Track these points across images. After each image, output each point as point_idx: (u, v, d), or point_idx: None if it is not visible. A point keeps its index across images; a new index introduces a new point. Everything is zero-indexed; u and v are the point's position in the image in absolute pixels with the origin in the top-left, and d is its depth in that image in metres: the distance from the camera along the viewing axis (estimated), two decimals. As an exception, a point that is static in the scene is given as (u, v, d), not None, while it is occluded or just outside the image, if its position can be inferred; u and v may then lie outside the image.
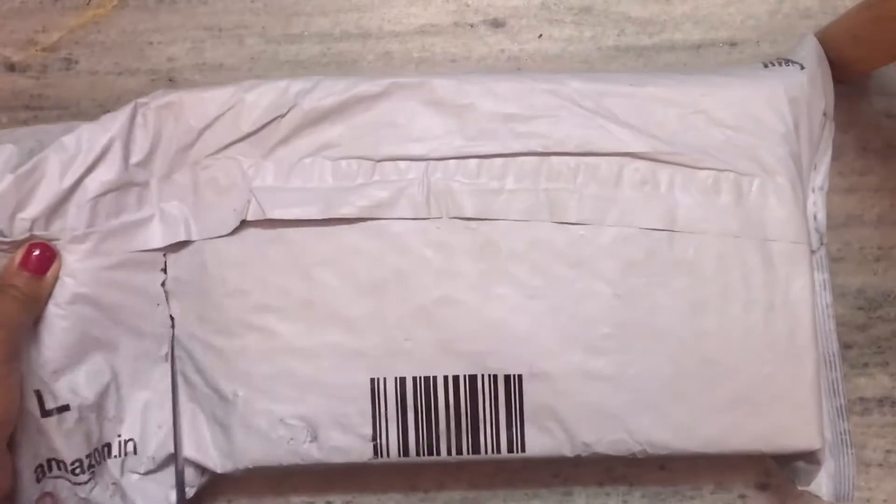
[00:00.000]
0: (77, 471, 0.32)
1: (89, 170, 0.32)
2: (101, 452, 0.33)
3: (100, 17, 0.39)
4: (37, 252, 0.31)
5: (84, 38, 0.39)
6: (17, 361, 0.30)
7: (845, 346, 0.39)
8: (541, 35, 0.39)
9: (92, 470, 0.32)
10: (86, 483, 0.32)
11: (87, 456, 0.32)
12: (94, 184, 0.32)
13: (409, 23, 0.39)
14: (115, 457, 0.33)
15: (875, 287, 0.39)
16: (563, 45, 0.39)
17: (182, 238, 0.33)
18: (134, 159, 0.33)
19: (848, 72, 0.38)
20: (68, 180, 0.32)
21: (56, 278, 0.32)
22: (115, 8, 0.39)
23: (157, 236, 0.33)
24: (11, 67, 0.39)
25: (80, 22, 0.39)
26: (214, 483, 0.36)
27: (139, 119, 0.33)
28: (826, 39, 0.38)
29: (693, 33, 0.39)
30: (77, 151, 0.32)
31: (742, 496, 0.38)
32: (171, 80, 0.38)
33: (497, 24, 0.39)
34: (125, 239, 0.33)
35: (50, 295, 0.31)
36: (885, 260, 0.39)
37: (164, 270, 0.34)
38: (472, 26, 0.39)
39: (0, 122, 0.38)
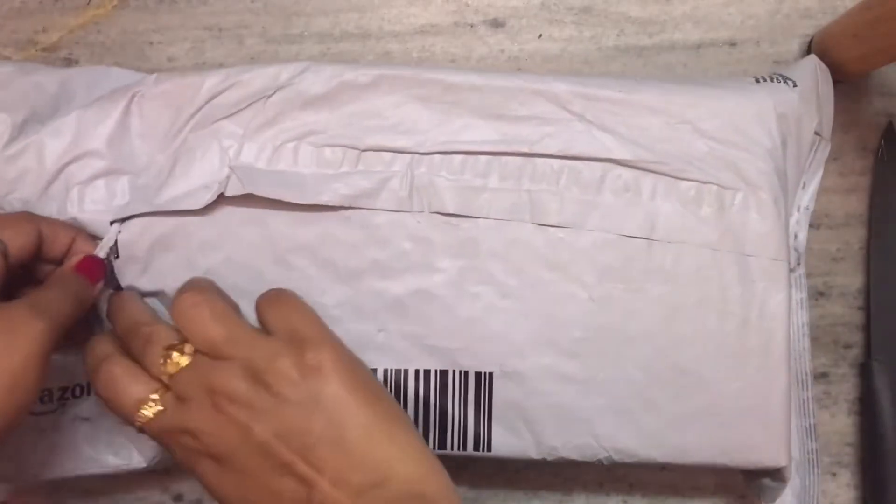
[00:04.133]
0: (44, 398, 0.32)
1: (80, 157, 0.32)
2: (76, 390, 0.33)
3: (100, 17, 0.39)
4: (92, 261, 0.32)
5: (84, 38, 0.39)
6: (49, 360, 0.29)
7: (845, 346, 0.39)
8: (541, 35, 0.39)
9: (63, 401, 0.32)
10: (52, 413, 0.32)
11: (61, 389, 0.32)
12: (84, 170, 0.32)
13: (409, 23, 0.39)
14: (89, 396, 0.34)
15: (875, 287, 0.39)
16: (563, 45, 0.39)
17: (147, 209, 0.33)
18: (126, 148, 0.33)
19: (848, 72, 0.38)
20: (59, 164, 0.32)
21: (100, 291, 0.32)
22: (115, 8, 0.39)
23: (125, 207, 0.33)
24: (11, 67, 0.39)
25: (80, 22, 0.39)
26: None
27: (134, 108, 0.33)
28: (826, 39, 0.38)
29: (693, 33, 0.39)
30: (72, 138, 0.32)
31: (742, 496, 0.38)
32: (171, 81, 0.39)
33: (497, 24, 0.39)
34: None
35: (93, 306, 0.32)
36: (885, 260, 0.39)
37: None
38: (472, 26, 0.39)
39: (0, 122, 0.38)
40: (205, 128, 0.33)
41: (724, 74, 0.39)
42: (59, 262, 0.32)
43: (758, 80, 0.35)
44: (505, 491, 0.38)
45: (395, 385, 0.33)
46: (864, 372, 0.38)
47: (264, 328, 0.29)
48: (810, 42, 0.39)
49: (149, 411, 0.28)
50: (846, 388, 0.39)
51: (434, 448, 0.33)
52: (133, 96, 0.33)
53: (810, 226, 0.39)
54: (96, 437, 0.34)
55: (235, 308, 0.30)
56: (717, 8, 0.40)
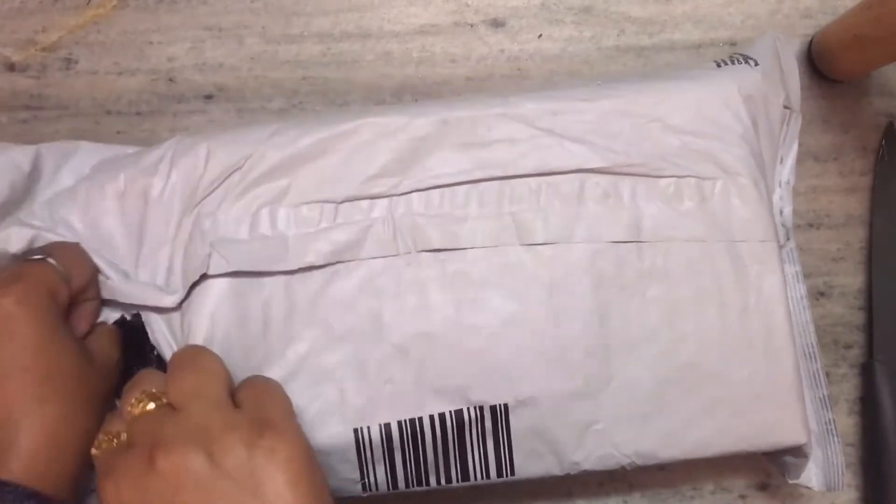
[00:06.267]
0: None
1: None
2: None
3: (100, 17, 0.39)
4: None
5: (84, 38, 0.39)
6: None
7: (845, 346, 0.39)
8: (541, 35, 0.39)
9: None
10: None
11: None
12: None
13: (409, 23, 0.39)
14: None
15: (875, 287, 0.38)
16: (563, 45, 0.39)
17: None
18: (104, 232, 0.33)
19: (848, 72, 0.38)
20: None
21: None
22: (115, 8, 0.39)
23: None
24: (11, 67, 0.39)
25: (80, 22, 0.39)
26: None
27: (116, 213, 0.33)
28: (826, 39, 0.38)
29: (693, 33, 0.39)
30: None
31: (742, 496, 0.38)
32: (171, 80, 0.38)
33: (497, 24, 0.39)
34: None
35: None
36: (886, 260, 0.39)
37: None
38: (472, 26, 0.39)
39: (0, 122, 0.38)
40: (184, 212, 0.32)
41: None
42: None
43: (719, 65, 0.35)
44: (505, 492, 0.38)
45: (412, 436, 0.32)
46: (865, 372, 0.38)
47: (236, 405, 0.28)
48: (810, 42, 0.39)
49: (98, 446, 0.27)
50: (847, 388, 0.38)
51: (458, 481, 0.33)
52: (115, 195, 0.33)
53: (810, 226, 0.39)
54: None
55: (226, 378, 0.29)
56: (717, 8, 0.40)
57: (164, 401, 0.27)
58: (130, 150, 0.35)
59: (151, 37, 0.39)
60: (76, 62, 0.39)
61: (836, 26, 0.38)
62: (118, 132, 0.38)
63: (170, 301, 0.32)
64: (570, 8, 0.39)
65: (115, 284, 0.32)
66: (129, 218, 0.33)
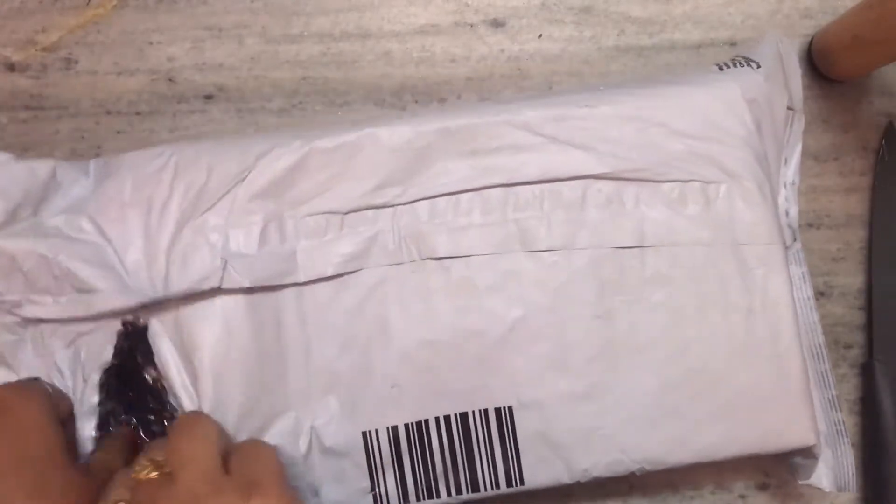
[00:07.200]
0: None
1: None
2: None
3: (100, 17, 0.39)
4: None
5: (84, 38, 0.39)
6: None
7: (845, 346, 0.39)
8: (541, 35, 0.39)
9: None
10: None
11: None
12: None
13: (409, 23, 0.39)
14: None
15: (875, 287, 0.38)
16: (563, 45, 0.39)
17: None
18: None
19: (848, 72, 0.38)
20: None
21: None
22: (115, 8, 0.39)
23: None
24: (11, 67, 0.39)
25: (80, 22, 0.39)
26: None
27: (121, 221, 0.33)
28: (826, 39, 0.38)
29: (693, 33, 0.39)
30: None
31: (742, 496, 0.38)
32: (171, 80, 0.38)
33: (497, 24, 0.39)
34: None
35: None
36: (886, 260, 0.39)
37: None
38: (472, 26, 0.39)
39: (0, 122, 0.38)
40: (187, 223, 0.32)
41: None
42: None
43: (721, 68, 0.35)
44: (505, 494, 0.38)
45: (419, 439, 0.32)
46: (866, 372, 0.38)
47: (228, 469, 0.29)
48: (810, 42, 0.39)
49: None
50: (847, 388, 0.38)
51: (467, 492, 0.33)
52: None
53: (810, 226, 0.39)
54: None
55: (219, 443, 0.29)
56: (718, 8, 0.40)
57: (168, 469, 0.28)
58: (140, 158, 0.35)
59: (151, 37, 0.39)
60: (76, 62, 0.39)
61: (836, 26, 0.38)
62: (118, 132, 0.38)
63: (160, 296, 0.32)
64: (570, 8, 0.39)
65: (109, 293, 0.32)
66: (133, 225, 0.33)
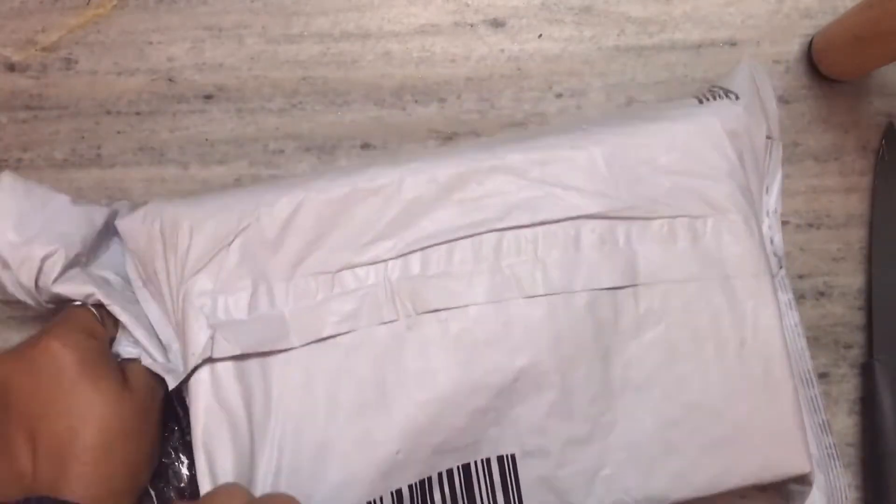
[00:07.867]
0: None
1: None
2: None
3: (100, 17, 0.39)
4: None
5: (84, 38, 0.39)
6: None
7: (845, 346, 0.39)
8: (541, 35, 0.39)
9: None
10: None
11: None
12: None
13: (409, 23, 0.39)
14: None
15: (875, 287, 0.38)
16: (563, 45, 0.39)
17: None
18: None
19: (848, 72, 0.38)
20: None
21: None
22: (115, 8, 0.39)
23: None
24: (11, 67, 0.39)
25: (80, 22, 0.39)
26: None
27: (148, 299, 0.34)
28: (826, 39, 0.38)
29: (693, 33, 0.39)
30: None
31: (742, 496, 0.38)
32: (171, 80, 0.38)
33: (497, 24, 0.39)
34: None
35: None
36: (886, 260, 0.39)
37: None
38: (472, 26, 0.39)
39: (0, 122, 0.38)
40: (176, 289, 0.32)
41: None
42: None
43: (700, 101, 0.36)
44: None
45: (421, 495, 0.32)
46: (866, 372, 0.38)
47: None
48: (810, 42, 0.39)
49: None
50: (847, 388, 0.38)
51: None
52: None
53: (810, 226, 0.39)
54: None
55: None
56: (718, 8, 0.40)
57: None
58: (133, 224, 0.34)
59: (151, 37, 0.39)
60: (76, 62, 0.39)
61: (836, 26, 0.38)
62: (118, 132, 0.38)
63: (171, 381, 0.32)
64: (570, 8, 0.39)
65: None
66: (153, 297, 0.34)
